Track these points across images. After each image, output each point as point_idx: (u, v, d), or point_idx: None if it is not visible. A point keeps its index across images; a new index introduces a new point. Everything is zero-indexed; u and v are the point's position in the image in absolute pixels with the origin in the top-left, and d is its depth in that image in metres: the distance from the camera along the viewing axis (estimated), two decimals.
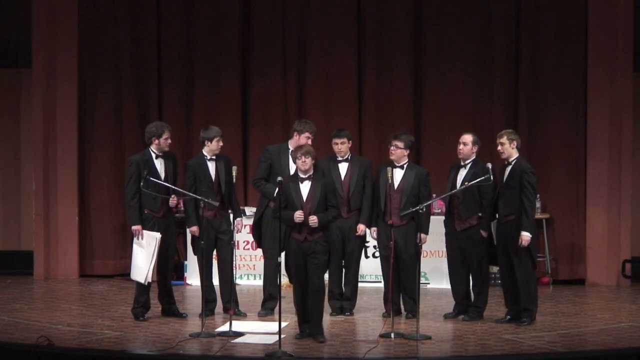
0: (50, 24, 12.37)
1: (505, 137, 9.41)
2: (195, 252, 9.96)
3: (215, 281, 9.85)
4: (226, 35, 12.70)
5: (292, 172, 9.25)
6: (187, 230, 10.04)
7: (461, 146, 9.66)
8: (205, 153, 9.74)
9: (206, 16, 12.70)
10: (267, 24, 12.69)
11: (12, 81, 13.01)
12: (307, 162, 8.56)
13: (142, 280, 9.42)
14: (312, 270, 8.52)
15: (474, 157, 9.65)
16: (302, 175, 8.63)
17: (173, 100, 12.75)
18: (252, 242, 10.66)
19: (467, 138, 9.67)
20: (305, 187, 8.60)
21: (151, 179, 9.39)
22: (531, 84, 12.41)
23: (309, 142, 9.66)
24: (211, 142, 9.70)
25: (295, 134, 9.82)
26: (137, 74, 12.71)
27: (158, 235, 9.43)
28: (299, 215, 8.49)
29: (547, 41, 12.36)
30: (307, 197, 8.58)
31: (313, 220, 8.51)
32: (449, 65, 12.51)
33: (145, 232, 9.44)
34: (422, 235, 9.57)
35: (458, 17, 12.51)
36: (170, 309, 9.73)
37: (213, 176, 9.69)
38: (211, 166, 9.71)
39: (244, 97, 12.76)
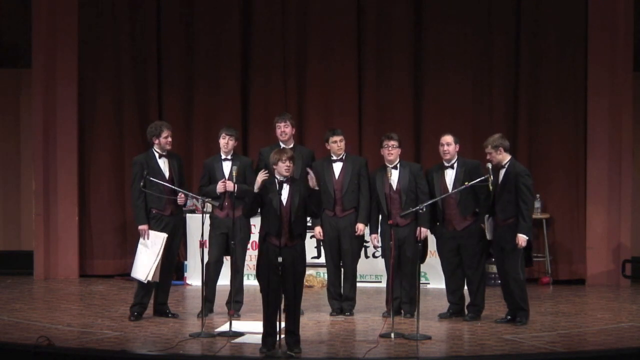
0: (50, 23, 12.37)
1: (489, 147, 9.42)
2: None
3: (223, 281, 9.84)
4: (226, 35, 12.70)
5: None
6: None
7: (445, 147, 9.65)
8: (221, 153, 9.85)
9: (206, 16, 12.71)
10: (267, 24, 12.69)
11: (12, 81, 13.01)
12: (290, 167, 8.10)
13: (142, 278, 9.42)
14: (289, 280, 8.00)
15: (456, 155, 9.68)
16: (281, 179, 8.13)
17: (173, 100, 12.75)
18: (252, 241, 10.65)
19: (449, 138, 9.67)
20: (284, 191, 8.09)
21: (151, 178, 9.40)
22: (531, 84, 12.41)
23: (282, 129, 9.83)
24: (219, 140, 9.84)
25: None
26: (137, 74, 12.72)
27: (164, 235, 9.44)
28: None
29: (547, 41, 12.36)
30: (286, 201, 8.08)
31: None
32: (449, 66, 12.51)
33: (151, 232, 9.44)
34: (422, 230, 9.53)
35: (458, 18, 12.50)
36: (162, 309, 9.72)
37: (226, 175, 9.69)
38: (225, 165, 9.75)
39: (244, 97, 12.77)
